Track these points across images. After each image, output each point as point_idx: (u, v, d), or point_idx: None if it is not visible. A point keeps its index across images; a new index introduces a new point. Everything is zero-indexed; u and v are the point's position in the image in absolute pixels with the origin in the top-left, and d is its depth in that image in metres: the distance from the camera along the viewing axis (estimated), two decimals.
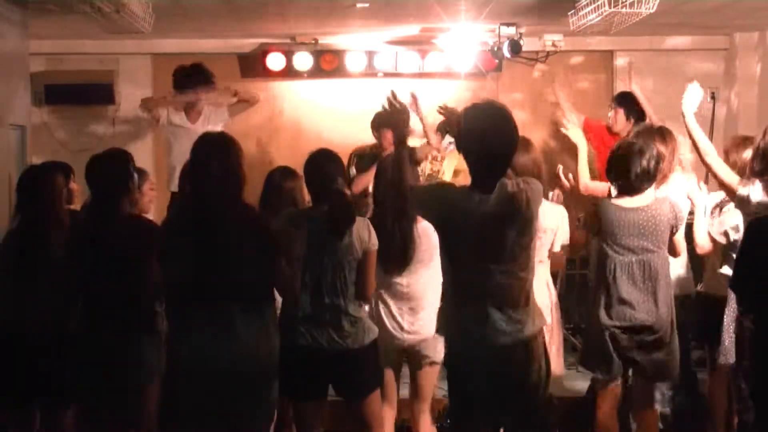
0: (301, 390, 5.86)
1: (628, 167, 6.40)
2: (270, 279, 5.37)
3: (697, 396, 7.39)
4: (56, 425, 6.47)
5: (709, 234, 6.84)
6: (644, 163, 6.38)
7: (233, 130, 10.93)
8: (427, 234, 6.19)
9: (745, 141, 6.74)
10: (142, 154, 11.39)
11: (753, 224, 4.67)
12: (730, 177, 6.32)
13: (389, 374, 6.52)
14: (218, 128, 9.45)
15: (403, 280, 6.38)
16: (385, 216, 6.30)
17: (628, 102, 9.60)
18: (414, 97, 8.82)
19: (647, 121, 9.38)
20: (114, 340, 5.90)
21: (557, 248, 6.68)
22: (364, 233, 6.00)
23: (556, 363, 6.66)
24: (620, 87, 11.66)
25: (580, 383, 7.77)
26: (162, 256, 5.47)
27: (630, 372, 6.67)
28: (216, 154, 5.31)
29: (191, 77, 9.77)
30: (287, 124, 11.69)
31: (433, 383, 6.67)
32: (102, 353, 5.90)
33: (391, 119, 7.74)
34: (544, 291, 6.56)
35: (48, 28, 9.70)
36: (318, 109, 11.70)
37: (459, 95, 11.60)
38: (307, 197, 6.48)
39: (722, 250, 6.85)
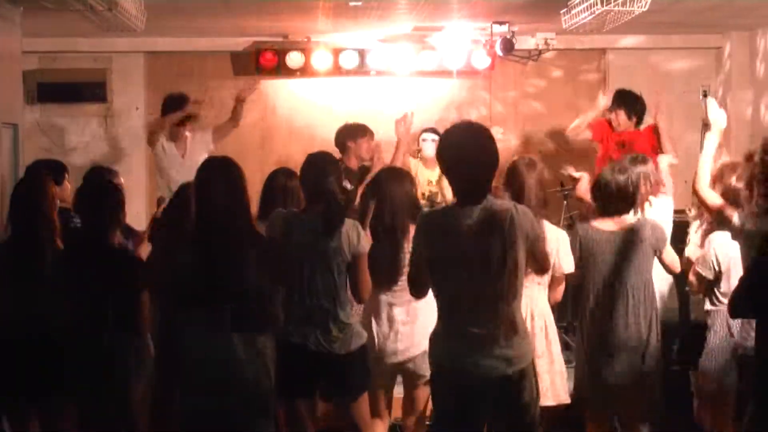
0: (292, 388, 5.85)
1: (606, 190, 6.42)
2: (269, 301, 5.35)
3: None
4: (53, 428, 6.46)
5: (695, 271, 6.76)
6: (623, 185, 6.39)
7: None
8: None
9: (734, 166, 6.65)
10: (135, 151, 11.44)
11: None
12: (722, 206, 6.19)
13: (380, 394, 6.46)
14: (204, 154, 9.38)
15: (395, 295, 6.33)
16: (377, 230, 6.29)
17: (627, 101, 9.59)
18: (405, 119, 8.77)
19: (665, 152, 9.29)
20: (103, 345, 5.92)
21: (558, 273, 6.44)
22: (354, 236, 5.98)
23: (562, 389, 6.60)
24: (614, 85, 11.69)
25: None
26: (164, 277, 5.50)
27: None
28: (220, 179, 5.33)
29: (172, 106, 9.69)
30: (280, 122, 11.69)
31: (427, 398, 6.63)
32: (91, 357, 5.93)
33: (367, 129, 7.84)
34: (542, 316, 6.51)
35: (41, 26, 9.68)
36: (311, 108, 11.69)
37: (452, 93, 11.64)
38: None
39: (706, 285, 6.77)
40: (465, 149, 5.09)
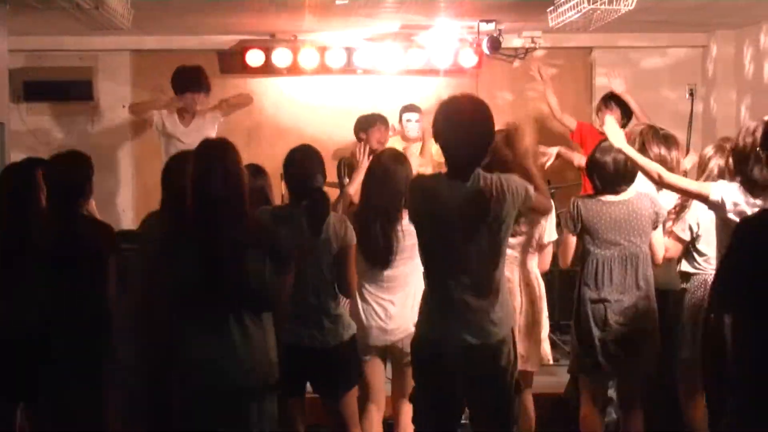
0: (284, 387, 5.84)
1: (604, 169, 6.44)
2: (269, 289, 5.26)
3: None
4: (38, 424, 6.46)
5: (673, 233, 6.78)
6: (620, 163, 6.40)
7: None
8: (410, 232, 6.17)
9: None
10: (122, 149, 11.43)
11: (741, 225, 4.66)
12: (697, 186, 6.23)
13: (374, 373, 6.50)
14: (213, 132, 9.48)
15: (384, 277, 6.37)
16: (368, 214, 6.30)
17: (618, 102, 9.60)
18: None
19: (635, 119, 9.39)
20: (77, 343, 5.92)
21: (544, 242, 6.56)
22: (341, 229, 6.01)
23: (543, 352, 6.65)
24: (599, 84, 11.71)
25: (560, 378, 7.77)
26: (162, 261, 5.41)
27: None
28: (218, 160, 5.23)
29: (192, 81, 9.68)
30: (267, 120, 11.68)
31: None
32: (65, 356, 5.93)
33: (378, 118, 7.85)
34: (534, 283, 6.55)
35: (27, 24, 9.66)
36: (298, 106, 11.68)
37: (439, 92, 11.58)
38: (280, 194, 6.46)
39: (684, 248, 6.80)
40: (461, 122, 5.21)
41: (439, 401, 5.43)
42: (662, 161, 6.62)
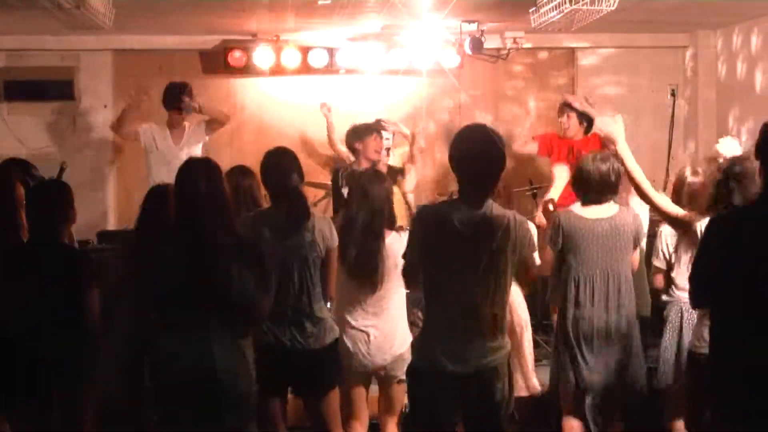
0: (266, 388, 5.83)
1: (590, 177, 6.44)
2: (252, 303, 5.26)
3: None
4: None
5: (652, 266, 6.79)
6: (605, 173, 6.41)
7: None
8: (392, 251, 6.21)
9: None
10: (103, 150, 11.39)
11: (713, 223, 4.68)
12: (684, 215, 6.16)
13: (359, 393, 6.48)
14: (198, 150, 9.52)
15: (369, 300, 6.34)
16: (354, 231, 6.27)
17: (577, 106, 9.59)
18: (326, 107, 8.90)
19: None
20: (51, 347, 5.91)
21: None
22: (326, 230, 6.01)
23: (532, 385, 6.65)
24: (582, 84, 11.74)
25: (542, 377, 7.77)
26: (144, 276, 5.42)
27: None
28: (203, 179, 5.23)
29: (181, 97, 9.71)
30: (249, 120, 11.65)
31: (404, 397, 6.61)
32: (41, 358, 5.91)
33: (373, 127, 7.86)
34: (515, 312, 6.54)
35: (8, 23, 9.63)
36: (280, 106, 11.66)
37: (421, 92, 11.64)
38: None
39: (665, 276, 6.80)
40: (476, 149, 5.25)
41: (433, 428, 5.42)
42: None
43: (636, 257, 6.62)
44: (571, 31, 9.09)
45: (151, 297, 5.34)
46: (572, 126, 9.33)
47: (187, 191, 5.25)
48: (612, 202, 6.47)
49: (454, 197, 5.45)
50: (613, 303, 6.38)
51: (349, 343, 6.34)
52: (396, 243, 6.23)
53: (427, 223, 5.33)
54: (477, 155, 5.22)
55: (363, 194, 6.29)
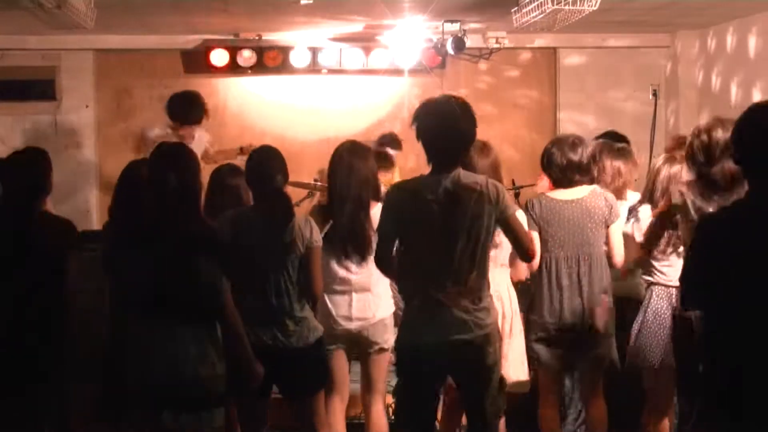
0: (245, 387, 5.82)
1: (560, 158, 6.46)
2: (219, 299, 5.16)
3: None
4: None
5: (630, 236, 6.77)
6: (576, 154, 6.44)
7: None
8: (377, 221, 6.21)
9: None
10: (85, 149, 11.36)
11: (703, 222, 4.67)
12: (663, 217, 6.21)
13: (340, 359, 6.46)
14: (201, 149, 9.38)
15: (351, 268, 6.35)
16: (338, 205, 6.27)
17: None
18: None
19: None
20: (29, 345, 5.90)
21: None
22: (306, 230, 5.97)
23: (521, 370, 6.64)
24: (565, 84, 11.76)
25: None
26: (113, 265, 5.40)
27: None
28: (173, 167, 5.17)
29: (192, 111, 9.62)
30: (231, 120, 11.63)
31: (384, 373, 6.63)
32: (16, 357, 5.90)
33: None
34: (505, 297, 6.53)
35: None
36: (262, 106, 11.65)
37: (403, 92, 11.64)
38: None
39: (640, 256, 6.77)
40: (440, 118, 5.35)
41: (422, 399, 5.57)
42: (618, 173, 6.84)
43: (613, 241, 6.58)
44: (554, 31, 9.10)
45: (122, 294, 5.34)
46: None
47: (157, 184, 5.19)
48: (585, 184, 6.49)
49: None
50: (585, 284, 6.40)
51: (331, 306, 6.35)
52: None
53: (400, 199, 5.44)
54: (446, 121, 5.33)
55: (348, 167, 6.28)
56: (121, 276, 5.27)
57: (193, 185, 5.25)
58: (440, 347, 5.34)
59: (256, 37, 11.13)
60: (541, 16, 7.88)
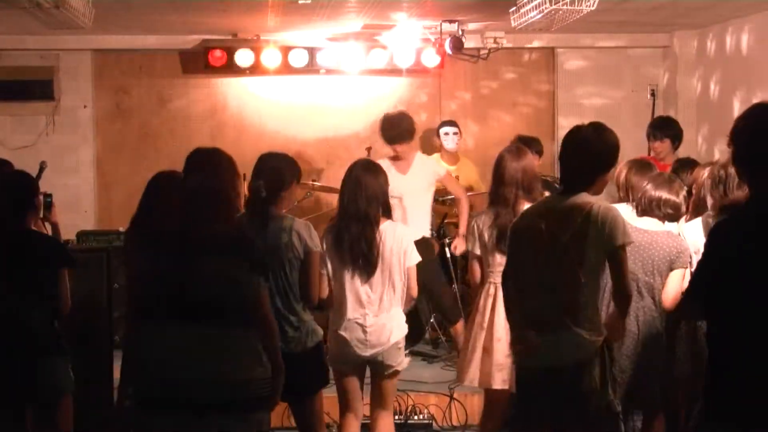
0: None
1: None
2: (251, 303, 5.07)
3: None
4: None
5: None
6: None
7: (176, 126, 10.98)
8: (386, 238, 6.25)
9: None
10: (83, 150, 11.36)
11: (716, 229, 4.63)
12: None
13: (353, 384, 6.45)
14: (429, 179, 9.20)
15: (364, 289, 6.30)
16: (350, 221, 6.26)
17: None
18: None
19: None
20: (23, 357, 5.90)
21: None
22: (304, 233, 5.98)
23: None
24: (563, 84, 11.76)
25: None
26: (137, 267, 5.36)
27: None
28: (204, 169, 5.16)
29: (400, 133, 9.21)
30: (230, 120, 11.63)
31: (395, 390, 6.66)
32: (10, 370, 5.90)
33: None
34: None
35: None
36: (261, 105, 11.64)
37: (401, 91, 11.64)
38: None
39: None
40: (577, 141, 5.32)
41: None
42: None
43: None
44: (552, 32, 9.10)
45: (141, 298, 5.24)
46: (664, 149, 9.12)
47: (188, 182, 5.17)
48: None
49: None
50: None
51: (345, 333, 6.31)
52: (390, 230, 6.28)
53: (526, 215, 5.52)
54: (575, 148, 5.31)
55: (356, 183, 6.28)
56: (147, 280, 5.20)
57: (224, 189, 5.19)
58: (540, 368, 5.33)
59: (255, 37, 11.13)
60: (539, 16, 7.88)
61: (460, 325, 9.11)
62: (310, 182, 10.11)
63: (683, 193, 6.27)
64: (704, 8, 9.61)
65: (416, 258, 6.39)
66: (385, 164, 8.71)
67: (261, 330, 5.08)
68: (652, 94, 10.52)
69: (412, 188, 8.88)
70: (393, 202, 6.69)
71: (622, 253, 5.22)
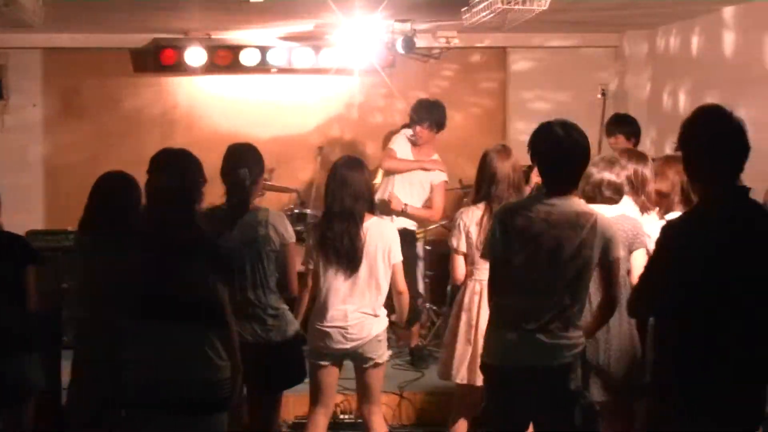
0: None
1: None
2: (212, 304, 5.08)
3: None
4: None
5: None
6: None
7: (127, 125, 10.91)
8: (371, 235, 6.31)
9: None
10: (32, 149, 11.27)
11: (667, 229, 4.67)
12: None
13: (330, 377, 6.48)
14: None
15: (347, 284, 6.35)
16: (331, 218, 6.31)
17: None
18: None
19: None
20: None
21: None
22: (281, 226, 6.10)
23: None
24: (514, 84, 11.80)
25: None
26: (115, 268, 5.31)
27: None
28: (168, 168, 5.13)
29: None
30: (181, 119, 11.58)
31: (381, 383, 6.68)
32: None
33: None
34: None
35: None
36: (212, 104, 11.60)
37: (352, 91, 11.64)
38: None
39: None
40: (560, 140, 5.25)
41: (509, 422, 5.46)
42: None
43: None
44: (504, 31, 9.13)
45: (116, 300, 5.25)
46: (620, 143, 9.03)
47: (154, 188, 5.14)
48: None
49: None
50: None
51: (327, 327, 6.35)
52: (374, 227, 6.36)
53: (510, 217, 5.37)
54: (561, 148, 5.26)
55: (341, 180, 6.32)
56: (111, 281, 5.19)
57: (190, 191, 5.15)
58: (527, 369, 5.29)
59: (206, 36, 11.08)
60: (491, 15, 7.90)
61: (416, 328, 9.16)
62: (263, 181, 10.08)
63: (625, 173, 6.33)
64: (654, 7, 9.67)
65: (400, 255, 6.47)
66: (403, 141, 8.81)
67: (221, 331, 5.08)
68: (603, 94, 10.57)
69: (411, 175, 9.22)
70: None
71: (617, 266, 5.35)
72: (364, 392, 6.58)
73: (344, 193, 6.29)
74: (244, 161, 6.15)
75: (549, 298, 5.22)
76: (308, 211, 9.91)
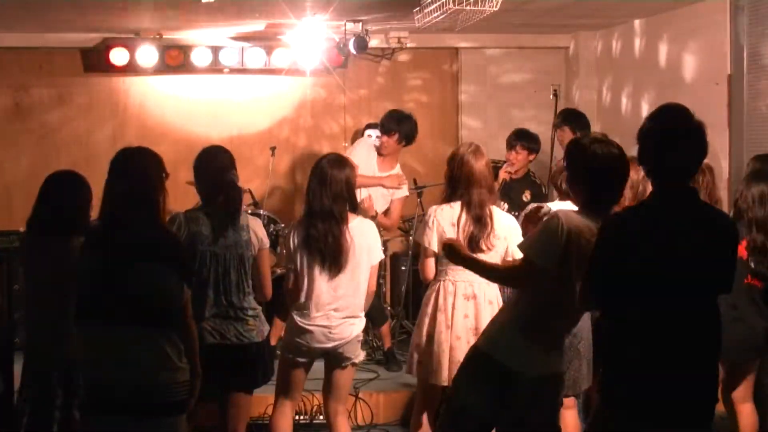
0: (211, 389, 5.60)
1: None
2: (174, 307, 4.99)
3: None
4: None
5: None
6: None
7: (76, 125, 10.84)
8: (355, 234, 6.28)
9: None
10: None
11: (607, 222, 4.67)
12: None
13: (302, 374, 6.47)
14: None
15: (330, 283, 6.31)
16: (316, 218, 6.26)
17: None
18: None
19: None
20: None
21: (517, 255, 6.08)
22: (259, 230, 6.15)
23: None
24: (466, 85, 11.82)
25: None
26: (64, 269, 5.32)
27: None
28: (128, 170, 5.01)
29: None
30: (132, 119, 11.49)
31: (350, 383, 6.69)
32: None
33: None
34: (488, 297, 6.48)
35: None
36: (163, 104, 11.53)
37: (305, 91, 11.63)
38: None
39: None
40: (619, 161, 5.08)
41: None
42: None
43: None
44: (455, 32, 9.14)
45: (67, 301, 5.19)
46: (567, 138, 8.82)
47: (112, 183, 5.01)
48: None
49: None
50: None
51: (310, 326, 6.31)
52: (358, 228, 6.33)
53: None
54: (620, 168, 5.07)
55: (322, 179, 6.28)
56: (61, 282, 5.16)
57: (150, 190, 5.02)
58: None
59: (157, 36, 11.02)
60: (443, 16, 7.91)
61: (386, 327, 9.15)
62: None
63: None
64: (605, 9, 9.73)
65: (380, 256, 6.50)
66: (365, 149, 8.83)
67: (182, 334, 5.05)
68: (555, 95, 10.61)
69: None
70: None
71: None
72: (333, 392, 6.54)
73: (325, 193, 6.25)
74: (228, 163, 6.14)
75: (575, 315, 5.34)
76: (261, 211, 9.84)
